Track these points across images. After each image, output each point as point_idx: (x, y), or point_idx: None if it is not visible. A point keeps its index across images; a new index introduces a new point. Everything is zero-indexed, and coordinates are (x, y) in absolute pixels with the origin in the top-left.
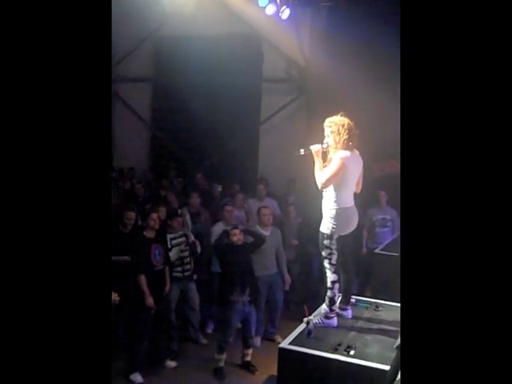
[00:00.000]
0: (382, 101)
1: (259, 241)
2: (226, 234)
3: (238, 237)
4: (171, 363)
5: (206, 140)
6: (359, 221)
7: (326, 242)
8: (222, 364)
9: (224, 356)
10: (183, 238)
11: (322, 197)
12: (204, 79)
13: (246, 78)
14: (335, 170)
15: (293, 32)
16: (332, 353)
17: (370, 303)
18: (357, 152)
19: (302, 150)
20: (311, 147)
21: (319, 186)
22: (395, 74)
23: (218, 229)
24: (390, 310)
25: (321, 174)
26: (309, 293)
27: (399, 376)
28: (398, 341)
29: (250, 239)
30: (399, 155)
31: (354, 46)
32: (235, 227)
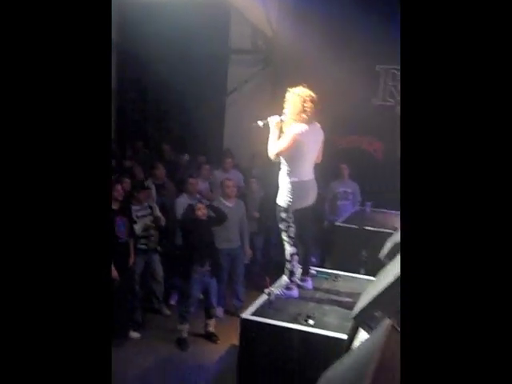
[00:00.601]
0: (348, 75)
1: (222, 217)
2: (191, 208)
3: (202, 211)
4: (135, 334)
5: (172, 110)
6: (321, 194)
7: (282, 214)
8: (184, 334)
9: (186, 326)
10: (148, 210)
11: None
12: (170, 47)
13: (212, 47)
14: (286, 143)
15: (260, 1)
16: (292, 322)
17: (330, 274)
18: (317, 125)
19: (260, 122)
20: (269, 119)
21: (270, 157)
22: (363, 48)
23: (181, 201)
24: (349, 280)
25: (273, 146)
26: (271, 265)
27: (355, 345)
28: (355, 310)
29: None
30: (360, 129)
31: (321, 18)
32: (200, 202)
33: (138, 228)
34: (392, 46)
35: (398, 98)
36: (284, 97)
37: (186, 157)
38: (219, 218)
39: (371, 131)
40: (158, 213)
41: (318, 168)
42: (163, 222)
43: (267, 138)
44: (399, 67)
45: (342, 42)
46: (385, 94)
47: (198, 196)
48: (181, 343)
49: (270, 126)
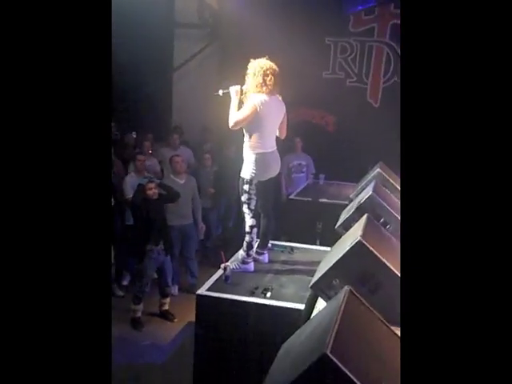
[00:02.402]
0: (298, 48)
1: (174, 195)
2: (141, 188)
3: (153, 191)
4: None
5: (117, 88)
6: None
7: (245, 186)
8: (139, 314)
9: (141, 306)
10: None
11: (237, 145)
12: (114, 26)
13: (156, 23)
14: (246, 113)
15: None
16: (249, 296)
17: (286, 247)
18: (278, 97)
19: (220, 91)
20: (230, 88)
21: (229, 126)
22: (312, 21)
23: (130, 180)
24: (304, 252)
25: (233, 115)
26: (226, 240)
27: (314, 313)
28: (313, 280)
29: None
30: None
31: None
32: (151, 181)
33: None
34: (341, 18)
35: (349, 71)
36: (232, 71)
37: (133, 135)
38: (171, 196)
39: (322, 105)
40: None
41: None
42: (112, 201)
43: (218, 113)
44: (349, 39)
45: (290, 14)
46: (335, 66)
47: (146, 174)
48: (135, 323)
49: (231, 94)
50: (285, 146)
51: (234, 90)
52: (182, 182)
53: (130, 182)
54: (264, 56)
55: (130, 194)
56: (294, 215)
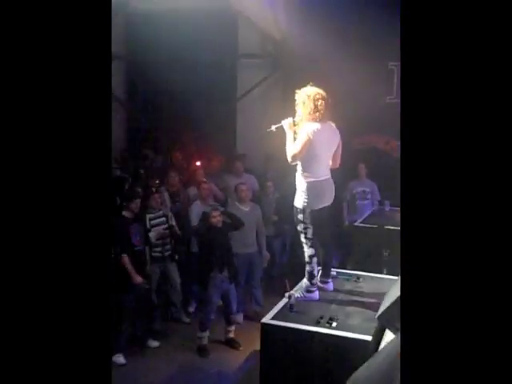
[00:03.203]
0: (360, 74)
1: (238, 223)
2: (205, 216)
3: (217, 219)
4: (154, 343)
5: (183, 118)
6: (340, 194)
7: (299, 216)
8: (205, 342)
9: (207, 334)
10: (163, 219)
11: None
12: (178, 56)
13: (221, 53)
14: (301, 144)
15: (268, 5)
16: (314, 325)
17: (351, 275)
18: (331, 124)
19: (273, 127)
20: (282, 122)
21: (288, 160)
22: (374, 46)
23: (196, 208)
24: (371, 281)
25: (289, 148)
26: (290, 268)
27: (381, 346)
28: (380, 311)
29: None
30: (376, 128)
31: (329, 18)
32: (215, 209)
33: (152, 236)
34: None
35: None
36: (293, 100)
37: (199, 164)
38: (235, 223)
39: (387, 130)
40: (172, 222)
41: (336, 169)
42: (177, 230)
43: (280, 141)
44: None
45: (352, 41)
46: (398, 91)
47: (211, 202)
48: (201, 350)
49: (285, 128)
50: (348, 173)
51: (286, 123)
52: (246, 209)
53: (196, 210)
54: (321, 85)
55: (195, 221)
56: (360, 243)
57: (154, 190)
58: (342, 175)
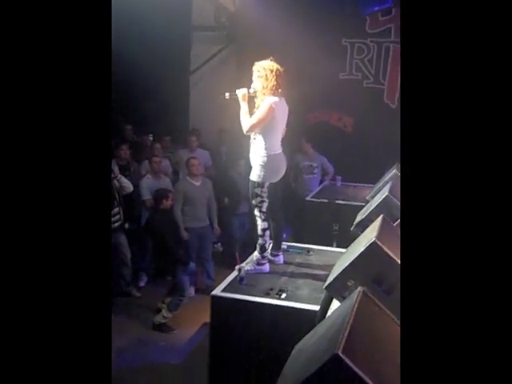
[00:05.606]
0: (314, 50)
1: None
2: (158, 196)
3: (170, 203)
4: None
5: (135, 92)
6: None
7: (256, 190)
8: (166, 320)
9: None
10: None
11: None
12: (130, 29)
13: (174, 27)
14: (263, 115)
15: None
16: (263, 297)
17: (302, 249)
18: (283, 99)
19: (227, 94)
20: (237, 91)
21: (244, 131)
22: (328, 22)
23: (146, 181)
24: (321, 253)
25: (247, 119)
26: (242, 242)
27: (328, 314)
28: (327, 281)
29: None
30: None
31: None
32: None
33: None
34: (358, 19)
35: (366, 72)
36: (248, 73)
37: (150, 137)
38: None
39: (340, 106)
40: (123, 182)
41: (283, 142)
42: (128, 188)
43: (234, 114)
44: (366, 40)
45: (306, 16)
46: (351, 68)
47: (162, 176)
48: (164, 327)
49: (239, 98)
50: (295, 147)
51: (241, 93)
52: (197, 184)
53: (145, 184)
54: (275, 58)
55: (146, 195)
56: (311, 217)
57: None
58: (291, 149)
